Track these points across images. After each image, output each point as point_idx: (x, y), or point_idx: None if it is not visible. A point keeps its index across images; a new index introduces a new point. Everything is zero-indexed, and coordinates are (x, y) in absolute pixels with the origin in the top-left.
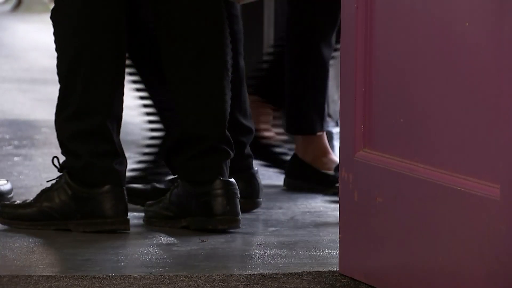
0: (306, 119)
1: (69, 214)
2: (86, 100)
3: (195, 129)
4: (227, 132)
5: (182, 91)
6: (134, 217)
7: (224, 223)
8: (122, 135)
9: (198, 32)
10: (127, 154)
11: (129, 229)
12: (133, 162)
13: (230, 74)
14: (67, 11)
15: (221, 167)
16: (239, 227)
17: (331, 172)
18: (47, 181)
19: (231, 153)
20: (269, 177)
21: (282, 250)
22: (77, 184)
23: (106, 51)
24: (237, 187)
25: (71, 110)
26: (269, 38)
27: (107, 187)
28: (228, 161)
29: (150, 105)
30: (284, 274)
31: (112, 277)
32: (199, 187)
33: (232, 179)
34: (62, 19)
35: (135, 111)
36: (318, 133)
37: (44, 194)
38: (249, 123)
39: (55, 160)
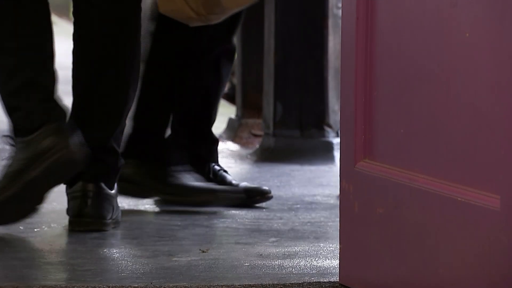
0: None
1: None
2: (18, 61)
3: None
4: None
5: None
6: (134, 227)
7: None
8: None
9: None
10: None
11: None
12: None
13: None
14: None
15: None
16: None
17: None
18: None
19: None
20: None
21: (282, 261)
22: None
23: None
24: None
25: (5, 73)
26: (270, 47)
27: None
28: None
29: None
30: (284, 285)
31: (112, 287)
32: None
33: None
34: None
35: None
36: None
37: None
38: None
39: (7, 139)
